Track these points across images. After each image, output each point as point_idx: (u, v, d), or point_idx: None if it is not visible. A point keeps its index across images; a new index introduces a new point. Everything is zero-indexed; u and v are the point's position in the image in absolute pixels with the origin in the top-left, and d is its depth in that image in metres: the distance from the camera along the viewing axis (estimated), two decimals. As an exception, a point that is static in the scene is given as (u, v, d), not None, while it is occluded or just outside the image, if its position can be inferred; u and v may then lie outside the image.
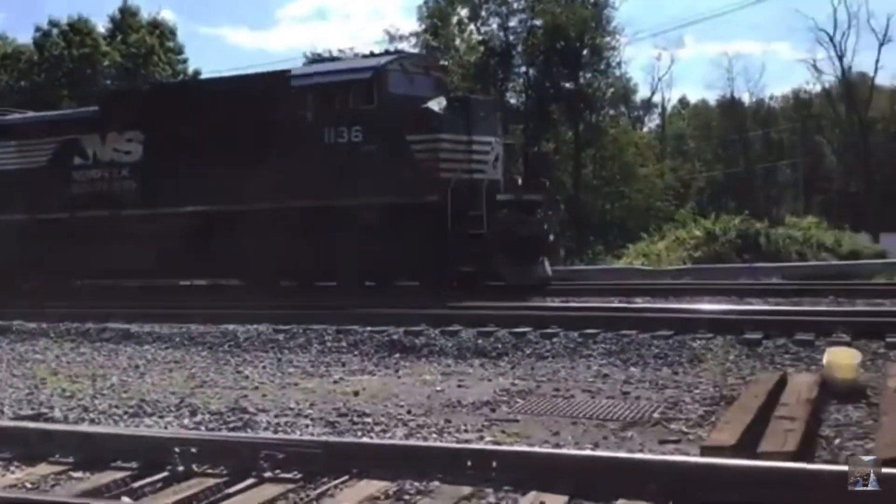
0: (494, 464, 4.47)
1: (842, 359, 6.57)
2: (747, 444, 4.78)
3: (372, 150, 14.88)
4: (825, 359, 6.72)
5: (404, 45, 41.86)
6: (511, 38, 44.14)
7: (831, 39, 49.05)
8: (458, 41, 44.84)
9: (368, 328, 10.55)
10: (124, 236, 16.48)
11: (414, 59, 17.29)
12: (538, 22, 43.64)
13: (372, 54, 17.95)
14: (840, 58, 49.14)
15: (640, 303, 12.64)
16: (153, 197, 16.82)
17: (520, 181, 16.72)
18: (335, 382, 8.07)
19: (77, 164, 17.93)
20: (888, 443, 4.67)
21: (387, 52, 18.50)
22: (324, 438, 5.46)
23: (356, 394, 7.33)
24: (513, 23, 45.08)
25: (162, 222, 16.40)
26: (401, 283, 15.88)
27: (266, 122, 15.84)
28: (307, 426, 6.18)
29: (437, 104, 15.08)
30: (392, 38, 44.10)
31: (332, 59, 27.45)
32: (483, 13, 45.34)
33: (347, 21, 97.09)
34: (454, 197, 14.31)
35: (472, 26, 45.85)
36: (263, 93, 16.45)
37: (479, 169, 15.32)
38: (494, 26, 45.49)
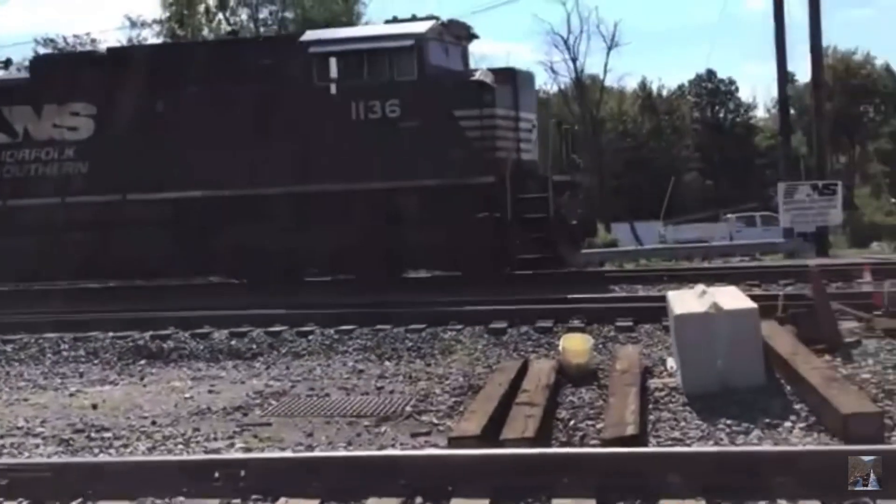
0: (243, 472, 4.33)
1: (575, 344, 7.06)
2: (491, 432, 5.01)
3: (413, 127, 13.44)
4: (560, 345, 7.20)
5: (147, 33, 39.71)
6: (262, 29, 43.28)
7: (565, 43, 52.68)
8: (205, 31, 43.20)
9: (111, 334, 9.88)
10: (70, 228, 14.27)
11: (451, 27, 15.12)
12: (290, 14, 43.16)
13: (413, 18, 15.14)
14: (573, 60, 52.90)
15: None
16: (113, 181, 14.26)
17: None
18: (71, 395, 7.48)
19: (2, 142, 15.02)
20: (614, 423, 5.08)
21: (425, 18, 15.31)
22: (54, 460, 5.04)
23: (95, 407, 6.83)
24: (263, 14, 44.29)
25: (127, 211, 14.26)
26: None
27: (272, 94, 13.98)
28: (37, 446, 5.67)
29: (486, 76, 13.82)
30: (133, 25, 41.72)
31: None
32: (232, 2, 44.15)
33: (86, 3, 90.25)
34: (512, 178, 13.32)
35: (220, 15, 44.45)
36: (269, 60, 14.20)
37: (526, 148, 14.42)
38: (244, 16, 44.47)
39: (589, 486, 4.13)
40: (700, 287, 6.98)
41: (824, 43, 22.99)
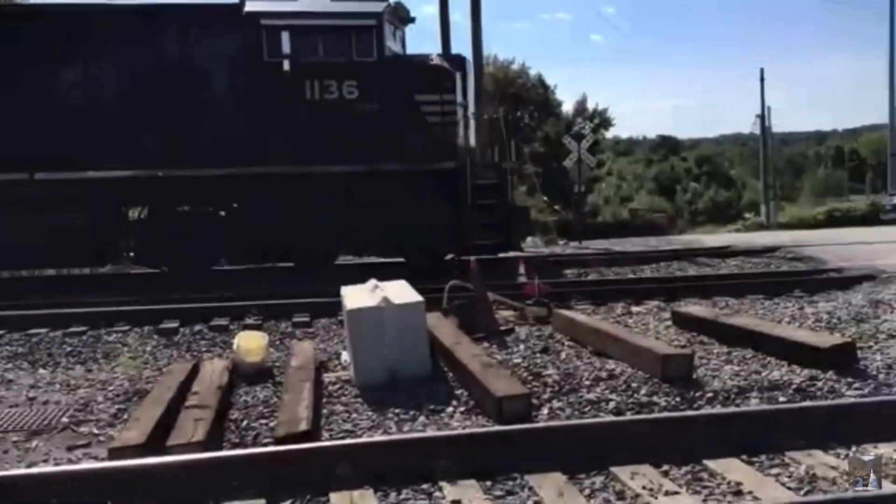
0: None
1: (249, 342, 6.95)
2: (158, 438, 4.76)
3: (371, 110, 12.85)
4: (235, 343, 7.04)
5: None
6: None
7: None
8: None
9: None
10: None
11: (396, 9, 13.83)
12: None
13: None
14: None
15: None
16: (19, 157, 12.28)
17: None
18: None
19: None
20: (287, 420, 5.07)
21: None
22: None
23: None
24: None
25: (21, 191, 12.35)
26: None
27: (218, 67, 12.81)
28: None
29: (442, 61, 13.39)
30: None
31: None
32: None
33: None
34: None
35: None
36: (217, 30, 12.87)
37: (468, 135, 14.01)
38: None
39: (260, 486, 4.09)
40: (372, 282, 7.20)
41: (486, 52, 24.61)
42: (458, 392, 6.01)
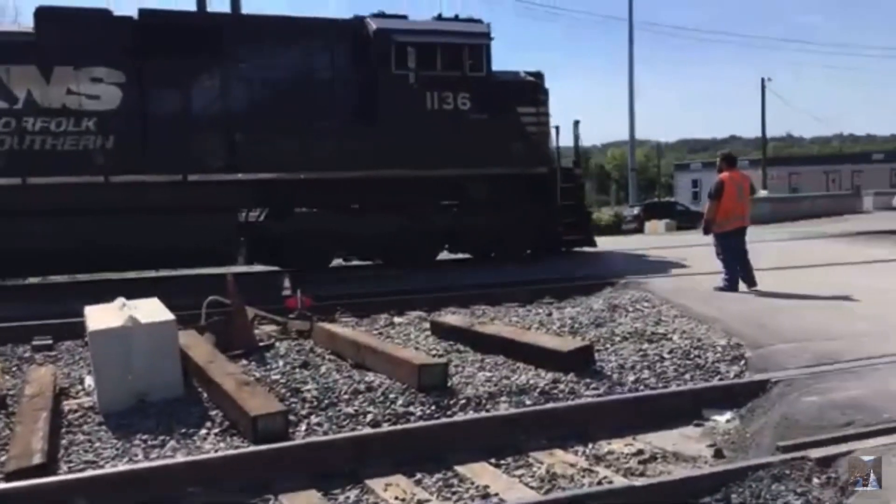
0: None
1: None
2: None
3: (482, 120, 14.26)
4: (-40, 373, 6.36)
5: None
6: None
7: None
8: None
9: None
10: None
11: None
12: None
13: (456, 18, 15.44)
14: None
15: None
16: (147, 160, 12.51)
17: None
18: None
19: None
20: (17, 454, 4.65)
21: (469, 19, 15.47)
22: None
23: None
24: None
25: (155, 194, 12.56)
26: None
27: (353, 77, 13.96)
28: None
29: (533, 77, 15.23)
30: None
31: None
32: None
33: None
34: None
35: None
36: (357, 42, 14.04)
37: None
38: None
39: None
40: (120, 300, 6.78)
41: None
42: (213, 413, 5.80)
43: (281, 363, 7.09)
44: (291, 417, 5.58)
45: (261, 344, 7.71)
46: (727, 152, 10.81)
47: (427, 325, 8.97)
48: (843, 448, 4.35)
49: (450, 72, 14.31)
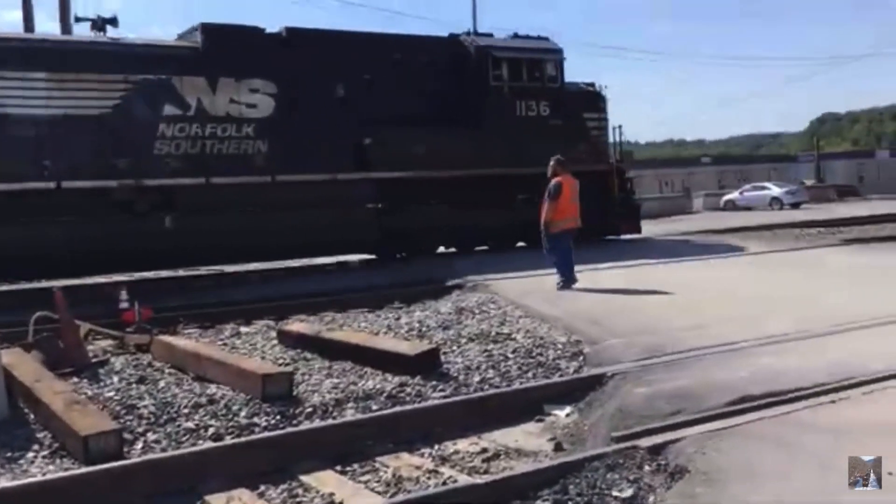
0: None
1: None
2: None
3: (558, 125, 16.82)
4: None
5: None
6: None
7: None
8: None
9: None
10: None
11: None
12: None
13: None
14: None
15: None
16: (292, 162, 14.18)
17: None
18: None
19: (169, 114, 13.39)
20: None
21: (538, 37, 18.08)
22: None
23: None
24: None
25: (310, 191, 14.35)
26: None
27: (454, 88, 16.22)
28: None
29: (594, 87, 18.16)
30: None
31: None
32: None
33: None
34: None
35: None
36: (455, 58, 16.56)
37: None
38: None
39: None
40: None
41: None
42: (41, 435, 5.46)
43: (116, 379, 6.76)
44: (127, 436, 5.33)
45: (94, 360, 7.32)
46: (561, 157, 11.23)
47: (275, 334, 8.80)
48: (671, 436, 4.58)
49: (533, 83, 17.06)
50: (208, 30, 14.11)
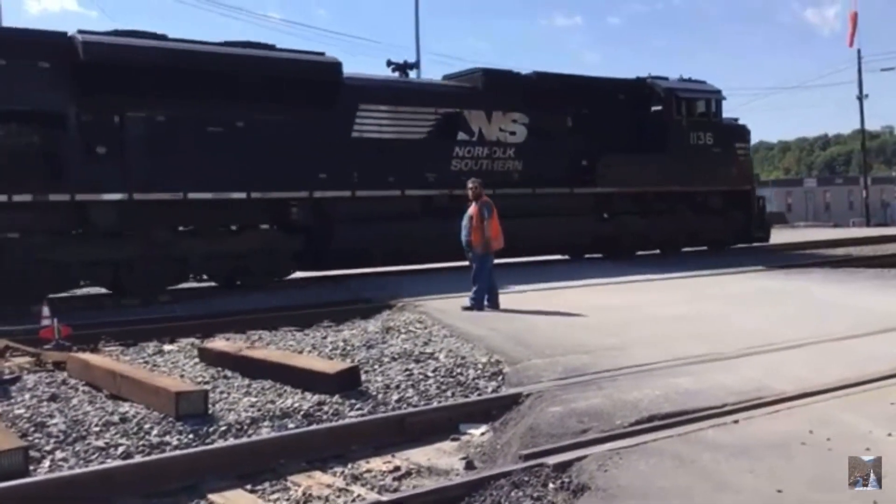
0: None
1: None
2: None
3: (718, 152, 21.05)
4: None
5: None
6: None
7: None
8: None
9: None
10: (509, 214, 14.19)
11: None
12: None
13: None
14: None
15: None
16: (542, 178, 17.94)
17: None
18: None
19: (461, 139, 17.16)
20: None
21: (695, 80, 21.93)
22: None
23: None
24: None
25: (549, 201, 18.04)
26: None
27: (639, 123, 19.97)
28: None
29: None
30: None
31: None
32: None
33: None
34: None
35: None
36: (636, 96, 20.35)
37: None
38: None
39: None
40: None
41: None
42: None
43: (27, 396, 6.61)
44: (34, 454, 5.22)
45: (4, 377, 7.14)
46: (478, 179, 11.48)
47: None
48: (577, 454, 4.67)
49: (702, 118, 20.90)
50: (487, 73, 18.18)
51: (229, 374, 7.51)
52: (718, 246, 21.55)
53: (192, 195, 13.60)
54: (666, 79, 21.01)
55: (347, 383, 6.58)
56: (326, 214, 15.22)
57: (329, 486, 4.87)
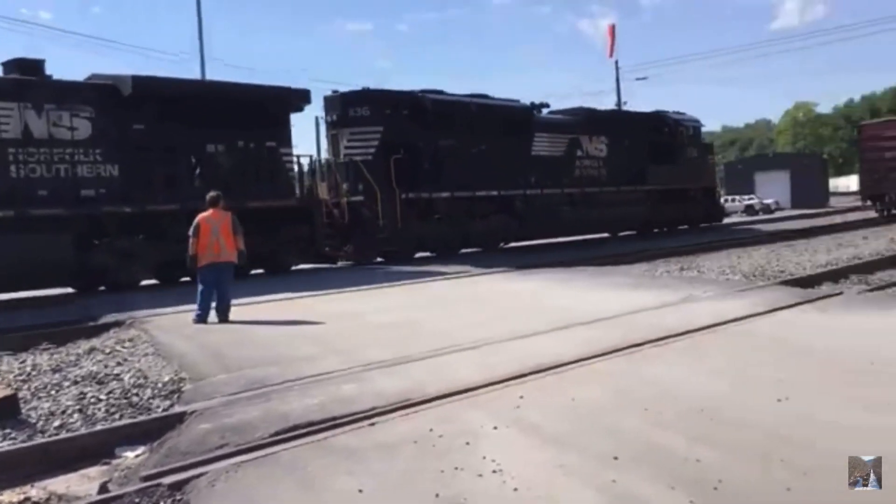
0: None
1: None
2: None
3: (700, 162, 33.22)
4: None
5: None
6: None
7: None
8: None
9: None
10: (601, 205, 27.80)
11: None
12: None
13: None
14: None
15: None
16: (617, 180, 28.50)
17: None
18: None
19: (579, 155, 27.77)
20: None
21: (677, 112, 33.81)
22: None
23: None
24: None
25: (624, 196, 28.77)
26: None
27: (660, 143, 30.91)
28: None
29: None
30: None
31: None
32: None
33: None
34: None
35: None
36: (658, 125, 31.63)
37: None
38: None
39: None
40: None
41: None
42: None
43: None
44: None
45: None
46: (213, 195, 11.11)
47: None
48: (197, 471, 4.80)
49: (693, 139, 33.00)
50: (588, 111, 29.67)
51: None
52: (697, 224, 33.49)
53: (478, 193, 23.59)
54: (667, 112, 32.45)
55: (4, 412, 6.35)
56: (530, 204, 25.35)
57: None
